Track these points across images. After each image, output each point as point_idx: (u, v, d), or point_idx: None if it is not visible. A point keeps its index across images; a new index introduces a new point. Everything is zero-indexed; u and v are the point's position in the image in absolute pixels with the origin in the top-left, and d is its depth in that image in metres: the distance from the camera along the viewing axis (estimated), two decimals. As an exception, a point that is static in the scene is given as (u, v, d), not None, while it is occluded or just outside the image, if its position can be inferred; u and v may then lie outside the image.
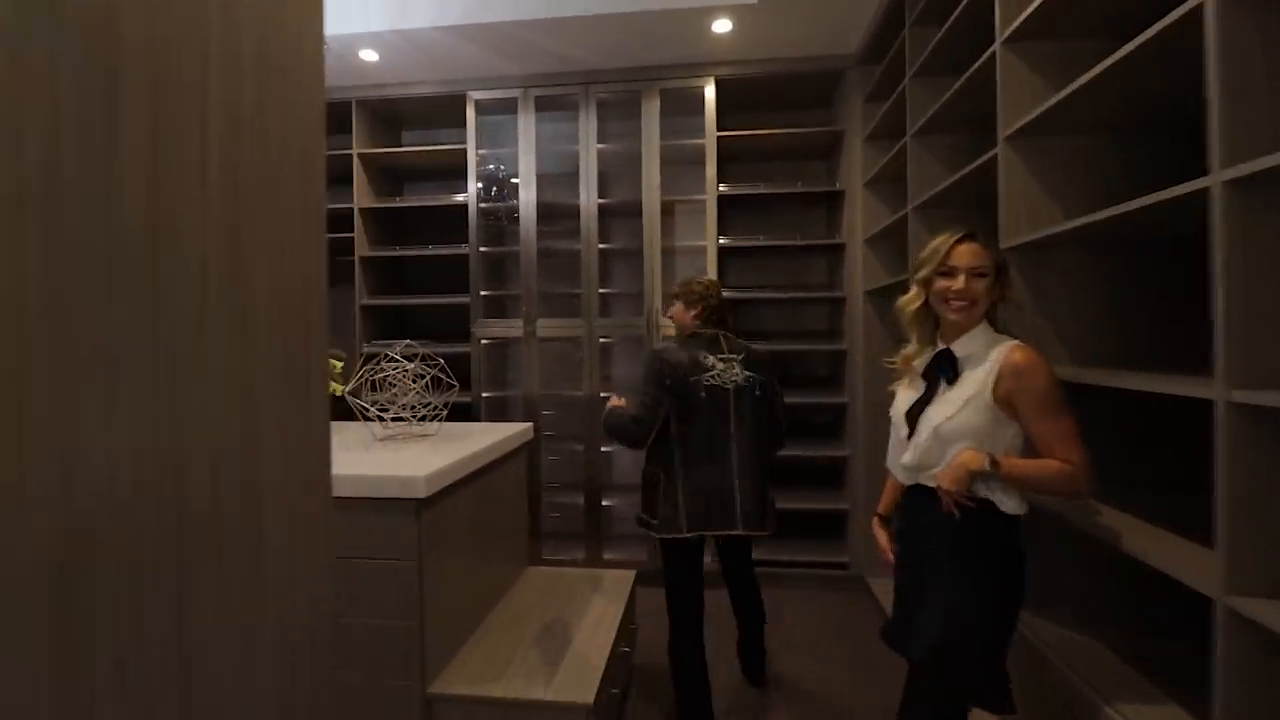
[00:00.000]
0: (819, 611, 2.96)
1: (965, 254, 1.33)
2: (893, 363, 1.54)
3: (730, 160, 3.54)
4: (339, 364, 2.50)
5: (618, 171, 3.62)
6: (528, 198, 3.29)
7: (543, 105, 3.32)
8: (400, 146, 3.80)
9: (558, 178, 3.44)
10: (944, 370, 1.35)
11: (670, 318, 2.37)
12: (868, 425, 3.03)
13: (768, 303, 3.60)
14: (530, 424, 2.53)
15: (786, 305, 3.62)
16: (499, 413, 3.51)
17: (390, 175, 3.83)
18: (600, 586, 2.39)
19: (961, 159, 2.16)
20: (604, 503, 3.31)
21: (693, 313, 2.19)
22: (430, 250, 3.48)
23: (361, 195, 3.48)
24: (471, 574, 1.97)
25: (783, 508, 3.16)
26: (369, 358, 2.19)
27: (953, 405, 1.31)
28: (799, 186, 3.23)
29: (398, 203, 3.52)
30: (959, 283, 1.31)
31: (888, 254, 3.00)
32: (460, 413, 3.38)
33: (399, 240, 3.77)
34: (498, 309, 3.52)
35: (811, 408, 3.50)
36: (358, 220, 3.44)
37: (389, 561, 1.65)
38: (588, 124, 3.25)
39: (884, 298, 3.02)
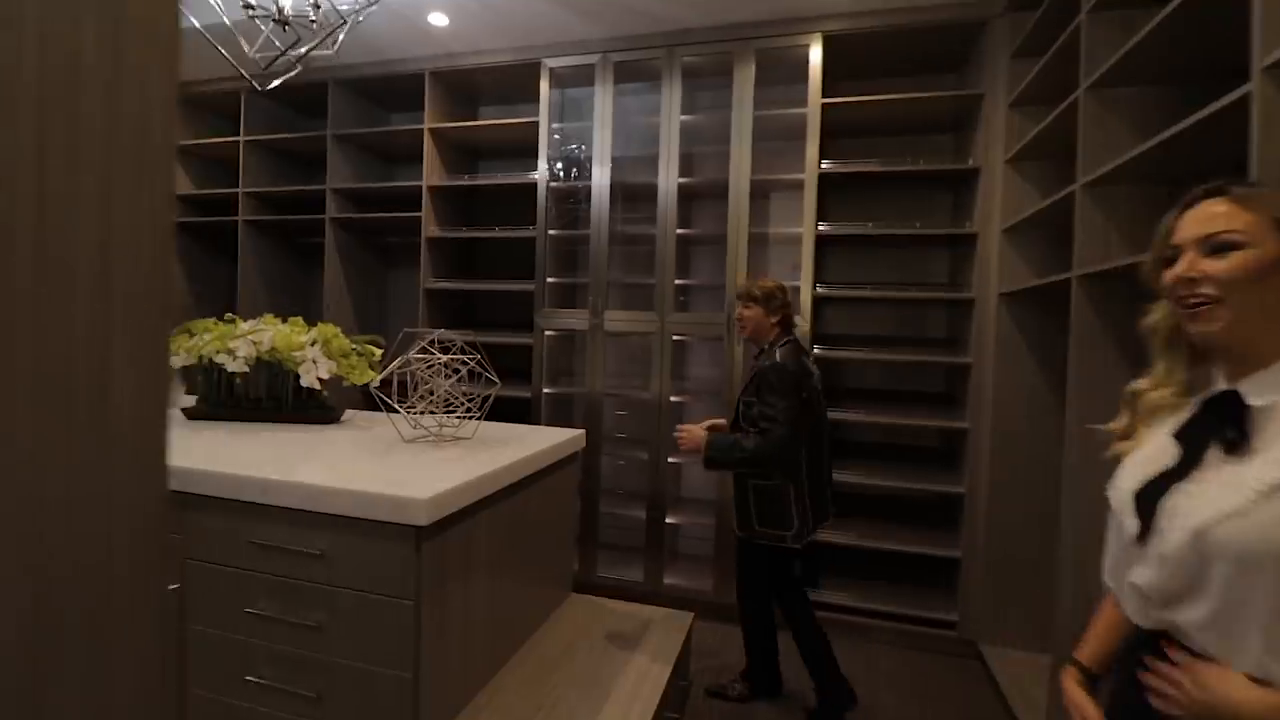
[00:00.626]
0: (916, 680, 2.44)
1: (1196, 220, 0.80)
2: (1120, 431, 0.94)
3: (835, 135, 3.02)
4: (377, 352, 2.28)
5: (703, 148, 3.21)
6: (601, 176, 2.96)
7: (622, 74, 2.97)
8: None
9: (636, 155, 3.09)
10: (1221, 428, 0.76)
11: (743, 321, 2.11)
12: (994, 458, 2.47)
13: (873, 303, 3.07)
14: (582, 431, 2.20)
15: (896, 307, 3.07)
16: (561, 411, 3.22)
17: (466, 153, 3.63)
18: (650, 629, 2.02)
19: (1160, 119, 1.59)
20: (669, 520, 2.94)
21: (775, 319, 2.12)
22: (497, 232, 3.23)
23: (432, 173, 3.29)
24: (492, 611, 1.67)
25: (878, 547, 2.67)
26: (403, 344, 1.94)
27: (1239, 492, 0.70)
28: (920, 163, 2.67)
29: (466, 180, 3.29)
30: (1183, 265, 0.79)
31: (1037, 247, 2.41)
32: (519, 409, 3.12)
33: (473, 223, 3.56)
34: (566, 298, 3.22)
35: (921, 430, 2.95)
36: (426, 199, 3.25)
37: (381, 598, 1.37)
38: (671, 93, 2.86)
39: (1028, 303, 2.43)
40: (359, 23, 2.31)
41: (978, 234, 2.56)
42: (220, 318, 2.21)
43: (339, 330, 2.21)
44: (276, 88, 3.52)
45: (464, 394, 1.92)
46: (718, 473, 2.42)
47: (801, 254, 2.73)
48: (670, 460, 2.93)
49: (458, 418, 1.95)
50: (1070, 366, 1.77)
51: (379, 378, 2.02)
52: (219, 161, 3.88)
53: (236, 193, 3.59)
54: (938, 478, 2.67)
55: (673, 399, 2.90)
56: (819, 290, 2.76)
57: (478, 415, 1.93)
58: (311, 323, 2.24)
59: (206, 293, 3.90)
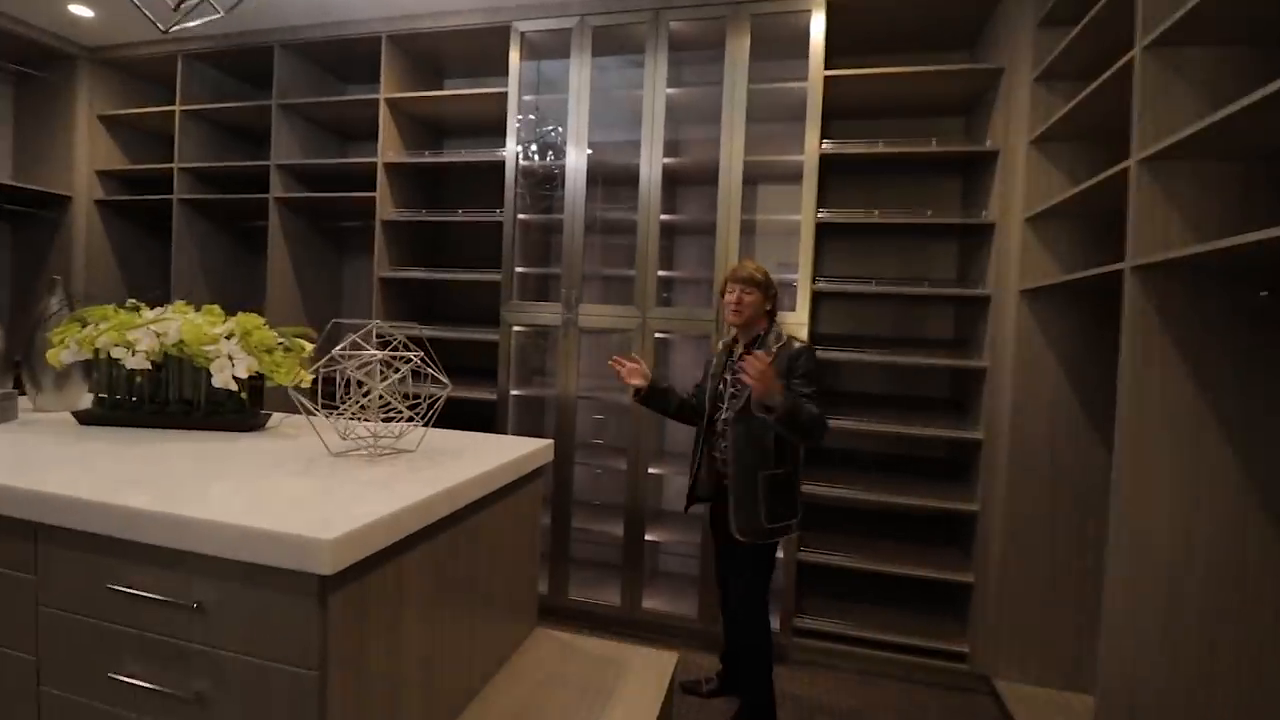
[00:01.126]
0: (920, 717, 2.18)
1: None
2: None
3: (837, 116, 2.76)
4: (308, 347, 1.95)
5: (691, 127, 2.93)
6: (577, 156, 2.65)
7: (602, 42, 2.67)
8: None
9: (616, 134, 2.79)
10: None
11: (740, 306, 1.95)
12: (1013, 473, 2.21)
13: (871, 301, 2.81)
14: (550, 442, 1.89)
15: (897, 305, 2.81)
16: (531, 415, 2.92)
17: (430, 130, 3.30)
18: (627, 675, 1.73)
19: (1233, 84, 1.34)
20: (648, 536, 2.65)
21: (769, 307, 2.02)
22: (460, 216, 2.90)
23: (390, 149, 2.95)
24: (432, 668, 1.36)
25: (879, 570, 2.41)
26: (333, 337, 1.62)
27: None
28: (933, 145, 2.41)
29: (427, 158, 2.96)
30: None
31: (1067, 238, 2.15)
32: (483, 414, 2.81)
33: (440, 207, 3.24)
34: (538, 291, 2.92)
35: (928, 441, 2.69)
36: (381, 177, 2.92)
37: (276, 666, 1.06)
38: (655, 64, 2.57)
39: (1054, 301, 2.18)
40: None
41: (995, 224, 2.30)
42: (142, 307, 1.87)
43: (262, 322, 1.88)
44: (218, 53, 3.17)
45: (405, 397, 1.61)
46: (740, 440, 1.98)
47: (800, 244, 2.45)
48: (651, 471, 2.63)
49: (396, 424, 1.63)
50: (1122, 375, 1.51)
51: (301, 378, 1.70)
52: (155, 134, 3.50)
53: (171, 168, 3.23)
54: (946, 493, 2.41)
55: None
56: (819, 284, 2.48)
57: (419, 421, 1.62)
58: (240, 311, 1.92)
59: (139, 280, 3.52)
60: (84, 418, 1.81)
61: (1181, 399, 1.45)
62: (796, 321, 2.42)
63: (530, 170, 2.82)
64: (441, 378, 1.63)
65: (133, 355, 1.75)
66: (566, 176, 2.67)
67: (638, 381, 2.08)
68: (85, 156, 3.33)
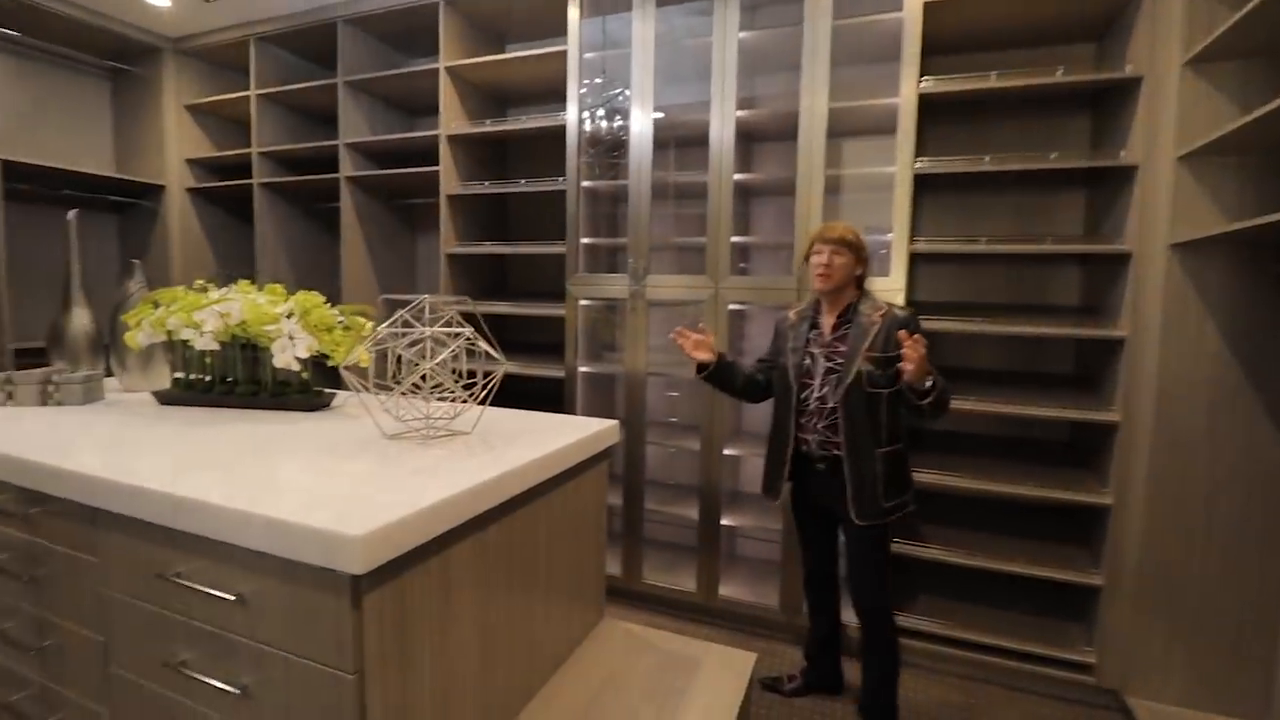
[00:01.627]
0: (1042, 739, 1.93)
1: None
2: None
3: (938, 51, 2.41)
4: (367, 325, 1.90)
5: (768, 77, 2.67)
6: (641, 116, 2.46)
7: (668, -11, 2.44)
8: (503, 62, 3.13)
9: (684, 90, 2.57)
10: None
11: (829, 270, 1.79)
12: (1156, 461, 1.88)
13: (983, 262, 2.47)
14: (615, 423, 1.76)
15: (1009, 267, 2.46)
16: (600, 392, 2.80)
17: (493, 99, 3.20)
18: (699, 675, 1.59)
19: None
20: (724, 520, 2.48)
21: (860, 270, 1.84)
22: (523, 186, 2.79)
23: (451, 121, 2.87)
24: (484, 669, 1.27)
25: (992, 568, 2.14)
26: (386, 314, 1.54)
27: None
28: (1059, 74, 2.04)
29: (488, 127, 2.85)
30: None
31: (1237, 178, 1.77)
32: (551, 391, 2.72)
33: (503, 178, 3.15)
34: (607, 263, 2.78)
35: (1048, 423, 2.37)
36: (444, 150, 2.85)
37: (314, 667, 0.98)
38: (726, 6, 2.32)
39: (1214, 257, 1.81)
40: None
41: (1138, 166, 1.93)
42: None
43: (322, 300, 1.84)
44: (287, 34, 3.18)
45: (459, 375, 1.51)
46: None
47: (894, 199, 2.16)
48: (726, 452, 2.46)
49: (450, 404, 1.54)
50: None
51: (360, 357, 1.63)
52: (236, 120, 3.60)
53: (250, 153, 3.30)
54: (1071, 483, 2.09)
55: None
56: (916, 245, 2.19)
57: (469, 400, 1.52)
58: (330, 294, 1.89)
59: (228, 262, 3.66)
60: (163, 397, 1.84)
61: None
62: (892, 288, 2.15)
63: (595, 135, 2.65)
64: (496, 354, 1.52)
65: (200, 336, 1.76)
66: (631, 139, 2.49)
67: (704, 356, 1.93)
68: (175, 146, 3.47)
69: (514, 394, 3.17)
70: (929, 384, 1.62)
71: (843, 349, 1.80)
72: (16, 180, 2.95)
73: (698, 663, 1.64)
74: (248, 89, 3.29)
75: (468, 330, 1.47)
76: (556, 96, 2.77)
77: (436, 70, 2.83)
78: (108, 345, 2.06)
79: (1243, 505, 1.79)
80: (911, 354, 1.57)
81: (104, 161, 3.53)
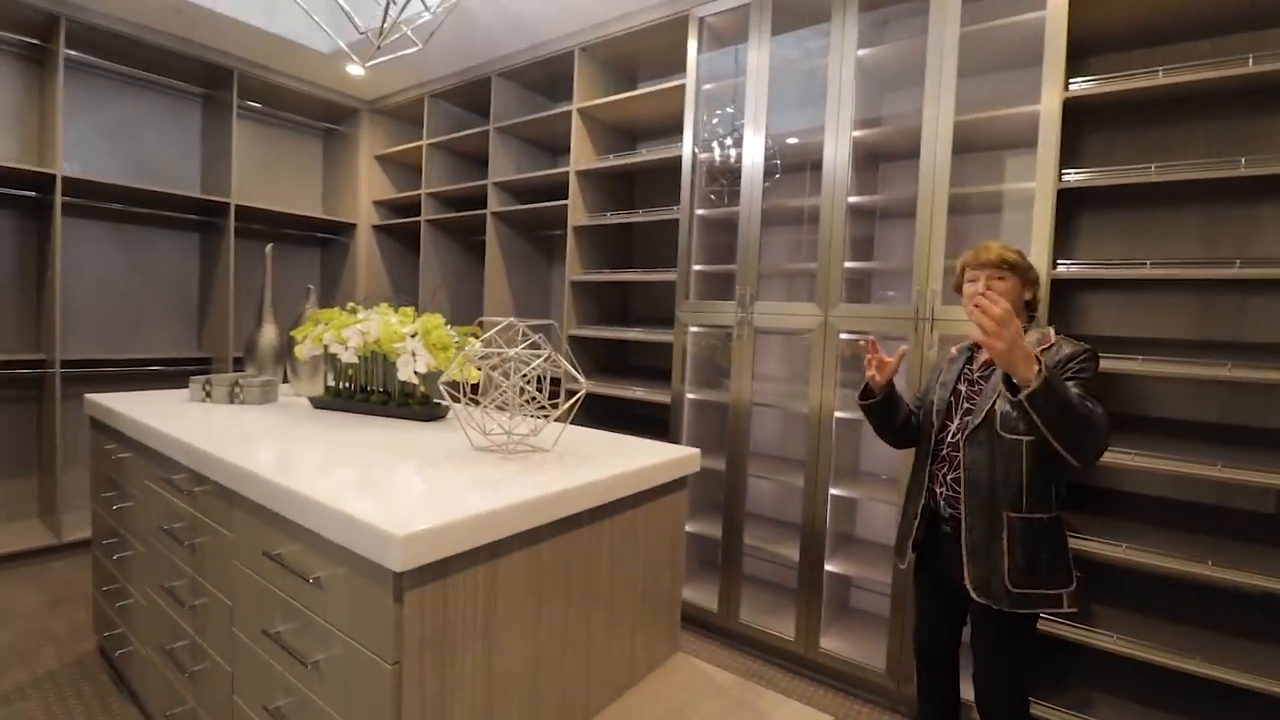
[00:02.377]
0: None
1: None
2: None
3: (1096, 50, 2.13)
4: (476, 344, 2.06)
5: (892, 95, 2.52)
6: (754, 143, 2.44)
7: (782, 17, 2.42)
8: (633, 100, 3.29)
9: (801, 116, 2.51)
10: None
11: (981, 304, 1.26)
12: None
13: (1166, 292, 2.09)
14: (695, 451, 1.74)
15: (1203, 295, 2.05)
16: (708, 420, 2.77)
17: (623, 135, 3.37)
18: (764, 727, 1.49)
19: None
20: (829, 567, 2.31)
21: (1029, 295, 1.59)
22: (641, 216, 2.89)
23: (582, 157, 3.07)
24: (533, 682, 1.30)
25: (1181, 668, 1.75)
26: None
27: None
28: (1250, 64, 1.68)
29: (611, 161, 3.00)
30: None
31: None
32: (657, 417, 2.75)
33: (628, 209, 3.29)
34: (720, 290, 2.77)
35: (1245, 490, 1.93)
36: (573, 184, 3.04)
37: (364, 651, 1.09)
38: (844, 25, 2.24)
39: None
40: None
41: (1370, 168, 1.53)
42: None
43: (442, 321, 2.05)
44: (453, 90, 3.62)
45: (536, 395, 1.59)
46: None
47: (1033, 222, 1.91)
48: (833, 492, 2.30)
49: (531, 421, 1.63)
50: None
51: (468, 374, 1.79)
52: (413, 167, 4.15)
53: (419, 195, 3.78)
54: (1272, 565, 1.67)
55: (837, 415, 2.27)
56: (1061, 269, 1.92)
57: (551, 418, 1.59)
58: (471, 318, 2.13)
59: (401, 289, 4.20)
60: (316, 402, 2.16)
61: None
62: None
63: (711, 164, 2.68)
64: (579, 376, 1.58)
65: (345, 350, 2.04)
66: (744, 166, 2.47)
67: (884, 378, 1.63)
68: (366, 190, 4.09)
69: (626, 417, 3.27)
70: (1026, 374, 1.22)
71: (985, 386, 1.53)
72: (249, 221, 3.65)
73: (765, 717, 1.53)
74: (421, 139, 3.79)
75: (547, 351, 1.55)
76: (675, 127, 2.85)
77: (570, 112, 3.04)
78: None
79: None
80: (984, 305, 1.20)
81: (314, 205, 4.25)
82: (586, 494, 1.37)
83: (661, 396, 2.69)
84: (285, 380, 2.47)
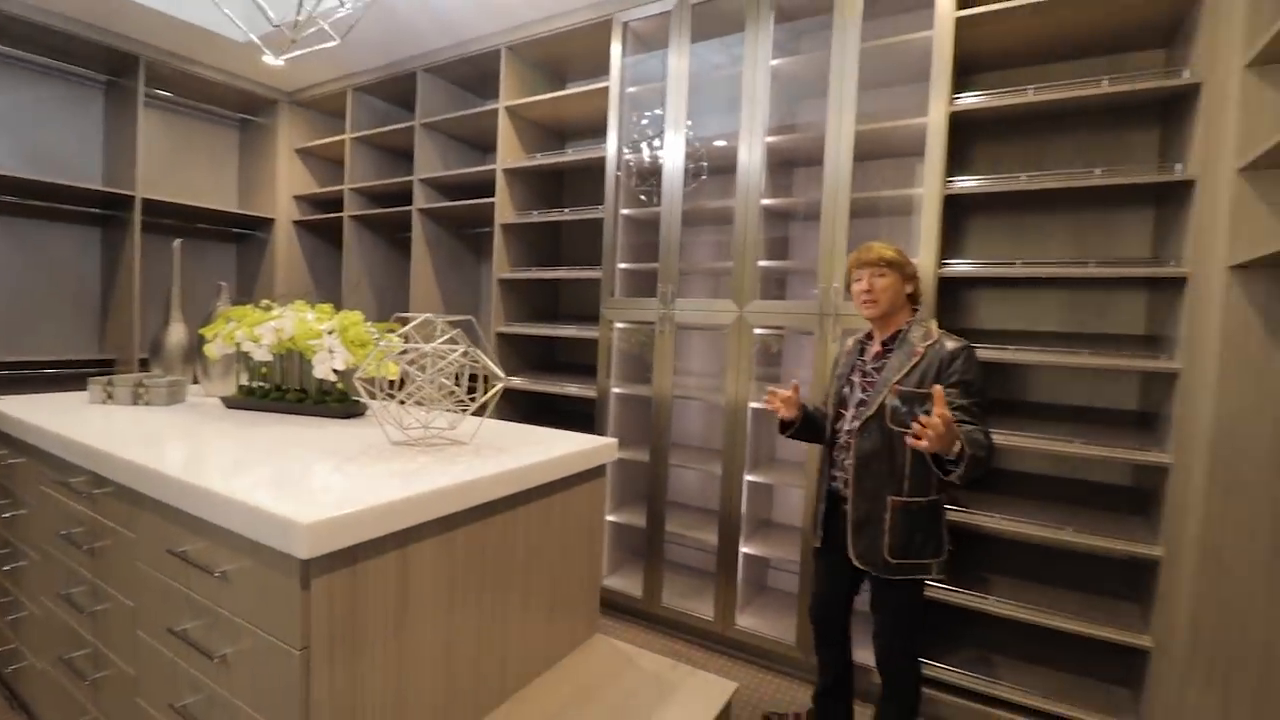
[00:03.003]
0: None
1: None
2: None
3: (984, 68, 2.33)
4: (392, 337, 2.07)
5: (804, 103, 2.66)
6: (674, 145, 2.54)
7: (702, 24, 2.52)
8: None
9: (719, 120, 2.62)
10: None
11: (873, 294, 1.65)
12: (1211, 510, 1.65)
13: (1041, 289, 2.31)
14: (612, 441, 1.81)
15: (1072, 293, 2.28)
16: (634, 413, 2.85)
17: (552, 134, 3.41)
18: (673, 697, 1.58)
19: None
20: (745, 549, 2.44)
21: (909, 290, 1.72)
22: (566, 215, 2.94)
23: (511, 156, 3.09)
24: (452, 664, 1.34)
25: (1034, 621, 1.95)
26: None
27: None
28: (1104, 85, 1.89)
29: (537, 160, 3.04)
30: None
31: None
32: (585, 412, 2.82)
33: (556, 208, 3.33)
34: (644, 287, 2.85)
35: (1101, 464, 2.16)
36: (500, 182, 3.06)
37: (272, 641, 1.10)
38: (757, 35, 2.36)
39: (1277, 277, 1.60)
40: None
41: (1195, 180, 1.75)
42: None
43: (360, 318, 2.04)
44: (377, 84, 3.56)
45: (454, 391, 1.63)
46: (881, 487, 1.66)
47: (921, 223, 2.08)
48: (748, 478, 2.42)
49: (447, 416, 1.66)
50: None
51: (387, 369, 1.80)
52: (335, 161, 4.05)
53: (342, 190, 3.70)
54: (1124, 532, 1.88)
55: (752, 405, 2.40)
56: (946, 268, 2.09)
57: (468, 412, 1.63)
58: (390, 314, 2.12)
59: (323, 286, 4.10)
60: (228, 402, 2.11)
61: None
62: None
63: (640, 165, 2.75)
64: (498, 371, 1.62)
65: (258, 348, 2.01)
66: (664, 167, 2.56)
67: (790, 413, 1.76)
68: (285, 184, 3.96)
69: (555, 413, 3.32)
70: (955, 452, 1.40)
71: (876, 380, 1.68)
72: (157, 215, 3.48)
73: (676, 686, 1.63)
74: (344, 133, 3.71)
75: (463, 347, 1.59)
76: (602, 128, 2.92)
77: (497, 110, 3.06)
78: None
79: (1325, 568, 1.54)
80: (926, 430, 1.35)
81: (229, 199, 4.09)
82: (500, 482, 1.42)
83: (589, 391, 2.76)
84: (195, 381, 2.39)
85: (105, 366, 3.39)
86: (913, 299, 1.74)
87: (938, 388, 1.40)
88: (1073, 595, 2.01)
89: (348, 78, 3.66)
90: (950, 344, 1.60)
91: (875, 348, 1.74)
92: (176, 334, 2.36)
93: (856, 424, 1.67)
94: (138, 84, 3.27)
